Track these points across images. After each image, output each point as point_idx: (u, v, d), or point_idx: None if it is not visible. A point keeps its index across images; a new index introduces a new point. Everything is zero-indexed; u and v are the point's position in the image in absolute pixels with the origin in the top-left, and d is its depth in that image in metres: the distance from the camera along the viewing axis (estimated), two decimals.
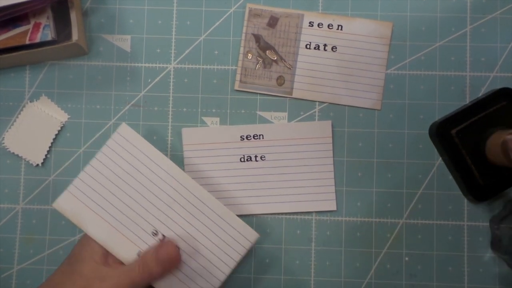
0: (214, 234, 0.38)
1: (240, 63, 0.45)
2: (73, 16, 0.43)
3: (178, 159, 0.44)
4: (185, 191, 0.38)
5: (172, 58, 0.46)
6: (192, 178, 0.40)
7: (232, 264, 0.39)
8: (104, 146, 0.39)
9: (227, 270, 0.39)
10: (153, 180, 0.38)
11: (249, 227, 0.39)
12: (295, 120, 0.45)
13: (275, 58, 0.45)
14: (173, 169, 0.39)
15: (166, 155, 0.45)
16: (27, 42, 0.42)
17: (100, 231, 0.38)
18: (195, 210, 0.38)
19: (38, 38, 0.42)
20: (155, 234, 0.38)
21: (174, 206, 0.38)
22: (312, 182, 0.44)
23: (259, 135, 0.44)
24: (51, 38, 0.42)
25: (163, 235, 0.38)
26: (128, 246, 0.38)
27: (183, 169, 0.44)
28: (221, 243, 0.39)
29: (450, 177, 0.44)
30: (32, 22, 0.42)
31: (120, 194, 0.38)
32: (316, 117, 0.45)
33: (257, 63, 0.45)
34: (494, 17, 0.45)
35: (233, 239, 0.39)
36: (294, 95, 0.45)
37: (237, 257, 0.39)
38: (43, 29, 0.42)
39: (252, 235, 0.39)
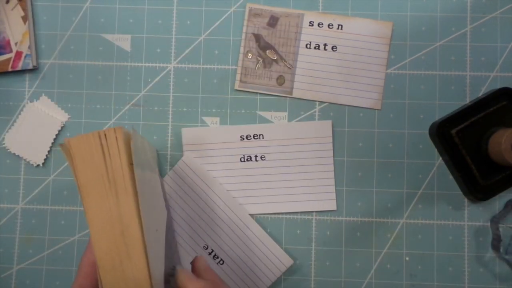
0: (255, 255, 0.43)
1: (240, 63, 0.45)
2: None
3: (178, 159, 0.44)
4: (234, 216, 0.43)
5: (172, 58, 0.46)
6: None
7: (268, 283, 0.43)
8: (170, 171, 0.44)
9: None
10: (208, 203, 0.44)
11: (286, 253, 0.43)
12: (295, 120, 0.45)
13: (275, 58, 0.45)
14: (226, 196, 0.43)
15: (166, 155, 0.45)
16: (10, 69, 0.45)
17: None
18: (241, 233, 0.43)
19: (19, 66, 0.45)
20: (205, 248, 0.43)
21: (223, 227, 0.43)
22: (312, 182, 0.44)
23: (259, 135, 0.44)
24: (32, 67, 0.45)
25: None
26: (184, 256, 0.43)
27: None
28: (260, 264, 0.43)
29: (450, 177, 0.44)
30: (14, 50, 0.45)
31: (180, 211, 0.44)
32: (316, 117, 0.45)
33: (257, 63, 0.45)
34: (494, 16, 0.45)
35: (271, 262, 0.43)
36: (294, 95, 0.45)
37: (273, 278, 0.43)
38: (25, 58, 0.45)
39: (287, 261, 0.43)
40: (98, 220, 0.31)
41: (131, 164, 0.32)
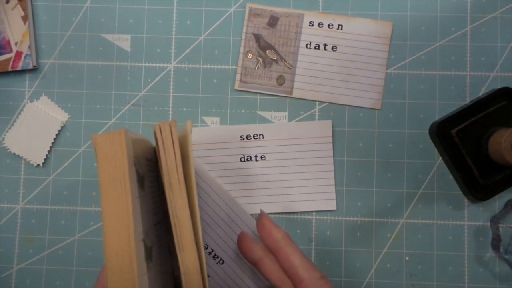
0: None
1: (240, 63, 0.45)
2: None
3: None
4: (234, 216, 0.43)
5: (172, 58, 0.46)
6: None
7: (268, 282, 0.42)
8: None
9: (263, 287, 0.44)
10: (208, 203, 0.44)
11: None
12: (295, 120, 0.45)
13: (275, 58, 0.45)
14: (226, 196, 0.44)
15: None
16: (10, 69, 0.45)
17: None
18: (240, 231, 0.43)
19: (19, 66, 0.45)
20: (205, 248, 0.43)
21: (223, 227, 0.43)
22: (312, 182, 0.44)
23: (259, 135, 0.44)
24: (32, 67, 0.45)
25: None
26: None
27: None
28: None
29: (450, 177, 0.44)
30: (14, 50, 0.45)
31: None
32: (316, 117, 0.45)
33: (257, 63, 0.45)
34: (494, 16, 0.45)
35: None
36: (294, 95, 0.45)
37: None
38: (25, 58, 0.45)
39: None
40: (112, 219, 0.30)
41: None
